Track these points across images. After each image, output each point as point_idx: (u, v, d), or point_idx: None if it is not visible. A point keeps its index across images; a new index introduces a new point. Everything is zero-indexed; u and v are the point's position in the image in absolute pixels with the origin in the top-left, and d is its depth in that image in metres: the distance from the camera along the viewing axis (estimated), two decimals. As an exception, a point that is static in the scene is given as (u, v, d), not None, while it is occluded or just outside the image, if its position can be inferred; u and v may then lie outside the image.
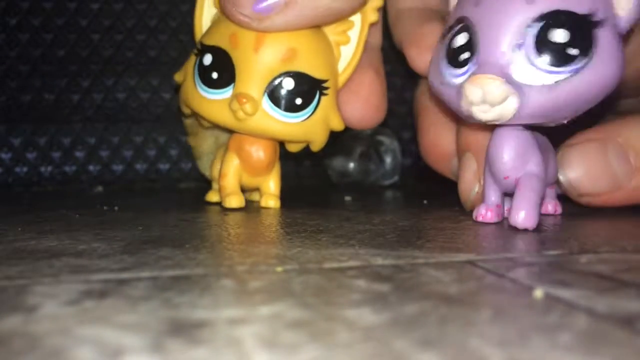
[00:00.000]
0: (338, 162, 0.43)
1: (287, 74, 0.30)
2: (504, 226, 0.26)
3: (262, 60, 0.30)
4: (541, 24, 0.24)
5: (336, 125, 0.32)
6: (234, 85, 0.30)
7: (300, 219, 0.28)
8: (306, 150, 0.33)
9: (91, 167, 0.44)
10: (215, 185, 0.35)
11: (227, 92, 0.30)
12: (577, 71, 0.23)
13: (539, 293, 0.16)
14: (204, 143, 0.36)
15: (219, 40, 0.30)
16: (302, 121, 0.31)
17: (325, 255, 0.20)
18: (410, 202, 0.37)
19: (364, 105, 0.32)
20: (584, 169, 0.29)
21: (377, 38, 0.34)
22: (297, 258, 0.20)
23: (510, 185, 0.26)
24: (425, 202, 0.35)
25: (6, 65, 0.42)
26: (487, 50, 0.24)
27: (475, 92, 0.24)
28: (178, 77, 0.32)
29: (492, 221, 0.27)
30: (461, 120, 0.29)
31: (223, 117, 0.30)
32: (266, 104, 0.30)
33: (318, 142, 0.32)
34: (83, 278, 0.18)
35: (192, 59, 0.31)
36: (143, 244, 0.23)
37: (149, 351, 0.12)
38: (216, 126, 0.32)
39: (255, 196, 0.35)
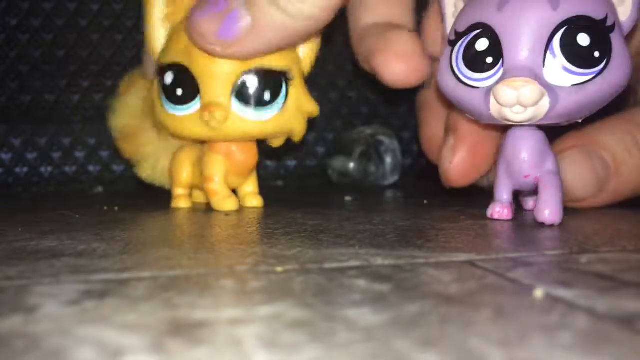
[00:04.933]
0: (338, 162, 0.43)
1: (249, 71, 0.30)
2: (504, 226, 0.26)
3: (221, 65, 0.29)
4: (565, 28, 0.25)
5: (312, 110, 0.32)
6: (200, 97, 0.30)
7: (300, 219, 0.28)
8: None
9: (91, 168, 0.44)
10: (179, 191, 0.34)
11: (195, 105, 0.30)
12: (600, 73, 0.25)
13: (539, 293, 0.16)
14: (146, 147, 0.35)
15: (175, 55, 0.30)
16: (276, 114, 0.30)
17: (326, 255, 0.20)
18: (410, 202, 0.37)
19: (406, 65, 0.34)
20: (575, 175, 0.29)
21: None
22: (297, 258, 0.20)
23: (528, 184, 0.27)
24: (425, 202, 0.35)
25: (6, 66, 0.42)
26: (514, 55, 0.25)
27: (509, 94, 0.24)
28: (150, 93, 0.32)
29: (508, 218, 0.28)
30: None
31: (197, 130, 0.30)
32: (236, 106, 0.30)
33: (297, 131, 0.32)
34: (83, 278, 0.18)
35: (156, 79, 0.31)
36: (143, 244, 0.23)
37: (149, 351, 0.12)
38: (193, 141, 0.32)
39: (199, 197, 0.35)
